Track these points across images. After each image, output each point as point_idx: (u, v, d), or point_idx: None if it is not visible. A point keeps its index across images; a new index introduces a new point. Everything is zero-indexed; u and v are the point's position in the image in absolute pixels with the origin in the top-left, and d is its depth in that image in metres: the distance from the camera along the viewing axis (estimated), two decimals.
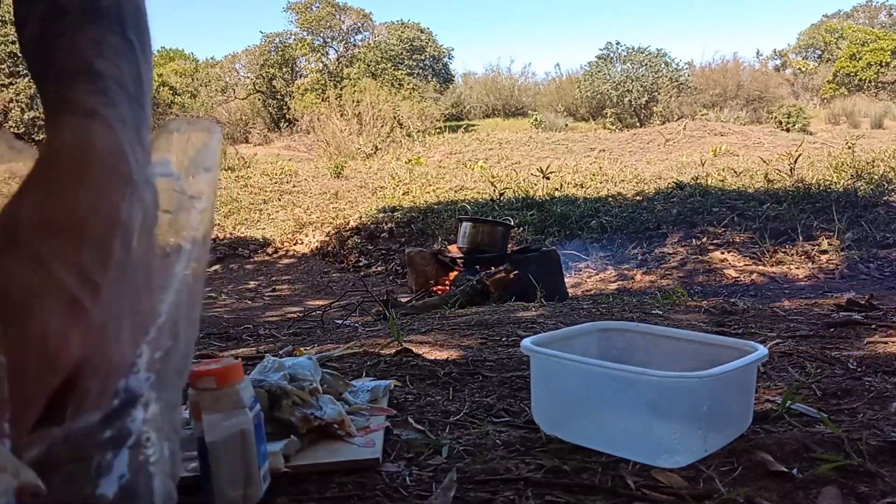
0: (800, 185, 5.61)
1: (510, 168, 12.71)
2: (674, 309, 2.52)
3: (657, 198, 5.77)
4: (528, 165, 12.86)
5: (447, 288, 3.86)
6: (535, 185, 8.43)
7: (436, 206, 6.41)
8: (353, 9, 25.83)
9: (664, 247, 4.82)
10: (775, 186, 5.77)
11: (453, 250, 4.20)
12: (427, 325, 2.33)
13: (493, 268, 3.97)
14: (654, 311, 2.40)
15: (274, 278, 5.75)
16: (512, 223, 4.18)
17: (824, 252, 4.47)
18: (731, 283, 4.15)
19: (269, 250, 6.58)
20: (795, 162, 6.13)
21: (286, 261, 6.27)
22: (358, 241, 6.28)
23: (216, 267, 6.29)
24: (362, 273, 5.63)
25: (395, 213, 6.50)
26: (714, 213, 5.19)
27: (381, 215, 6.53)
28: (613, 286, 4.37)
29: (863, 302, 2.97)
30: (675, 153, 13.77)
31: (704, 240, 4.80)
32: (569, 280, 4.53)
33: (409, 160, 13.67)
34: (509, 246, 4.23)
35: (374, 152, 16.25)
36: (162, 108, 28.40)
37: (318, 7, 25.16)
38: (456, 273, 3.97)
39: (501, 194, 5.98)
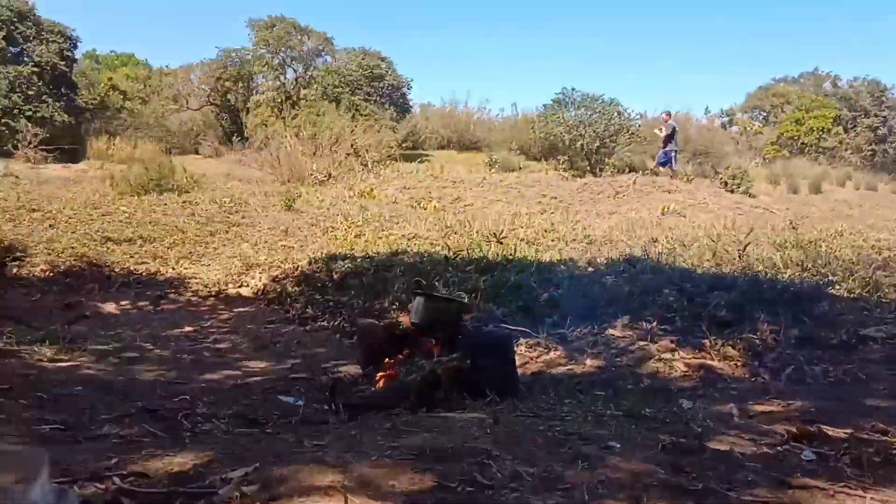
0: (748, 271, 5.71)
1: (462, 209, 12.73)
2: (629, 437, 2.47)
3: (609, 272, 5.79)
4: (481, 208, 12.91)
5: (396, 370, 3.77)
6: (490, 239, 8.43)
7: (387, 259, 6.32)
8: (314, 31, 25.73)
9: (615, 328, 4.82)
10: (724, 270, 5.85)
11: (405, 321, 4.12)
12: (375, 446, 2.23)
13: (444, 347, 3.90)
14: (609, 443, 2.34)
15: (214, 326, 5.56)
16: (465, 300, 4.13)
17: (770, 349, 4.53)
18: (680, 376, 4.16)
19: (213, 290, 6.38)
20: (745, 249, 6.25)
21: (229, 306, 6.08)
22: (305, 290, 6.15)
23: (149, 306, 6.07)
24: (308, 326, 5.49)
25: (346, 262, 6.38)
26: (664, 295, 5.23)
27: (332, 263, 6.41)
28: (562, 369, 4.33)
29: (812, 430, 3.00)
30: (624, 206, 13.98)
31: (654, 325, 4.82)
32: (518, 357, 4.48)
33: (363, 192, 13.59)
34: (465, 319, 4.16)
35: (328, 179, 16.11)
36: (111, 111, 27.76)
37: (279, 26, 24.99)
38: (407, 351, 3.89)
39: (456, 255, 5.93)
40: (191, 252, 7.38)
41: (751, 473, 2.16)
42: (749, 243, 6.43)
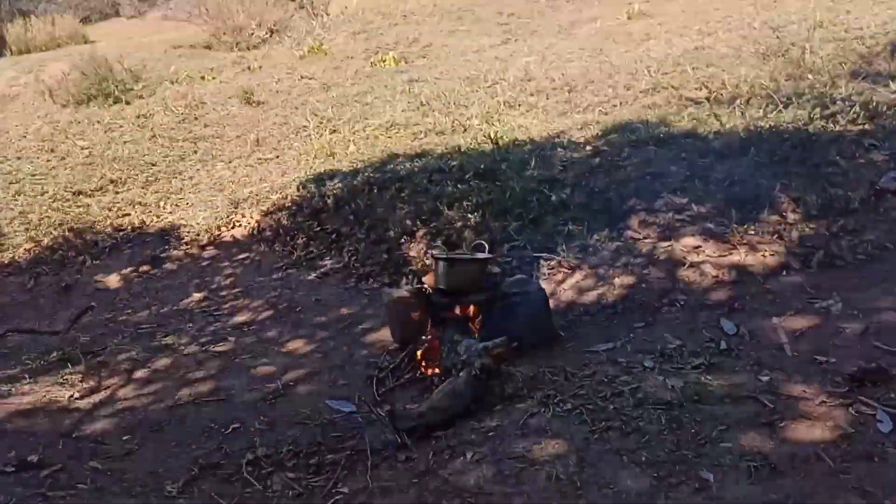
0: (751, 128, 5.51)
1: (422, 53, 12.08)
2: (714, 455, 2.46)
3: (609, 152, 5.58)
4: (441, 46, 12.23)
5: (435, 343, 3.71)
6: (468, 98, 8.05)
7: (379, 175, 6.05)
8: None
9: (631, 229, 4.73)
10: (727, 127, 5.65)
11: (429, 282, 4.01)
12: None
13: (475, 308, 3.83)
14: (702, 476, 2.34)
15: (223, 288, 5.42)
16: (488, 254, 3.98)
17: (791, 225, 4.48)
18: (712, 284, 4.13)
19: (207, 237, 6.15)
20: (748, 102, 6.01)
21: (229, 255, 5.90)
22: (301, 222, 5.93)
23: (150, 269, 5.88)
24: (318, 271, 5.35)
25: (336, 183, 6.12)
26: (673, 175, 5.08)
27: (321, 187, 6.14)
28: (591, 296, 4.28)
29: (873, 368, 3.03)
30: (586, 11, 13.31)
31: (671, 216, 4.72)
32: (544, 283, 4.43)
33: (312, 49, 12.83)
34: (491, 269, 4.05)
35: (270, 35, 15.11)
36: None
37: None
38: (443, 319, 3.81)
39: (451, 167, 5.67)
40: (168, 190, 7.01)
41: (849, 495, 2.18)
42: (750, 97, 6.17)
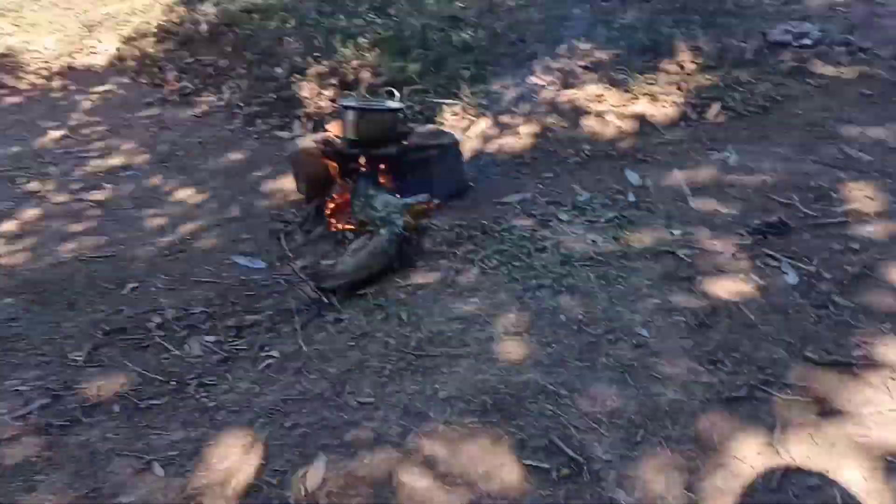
0: None
1: None
2: (644, 310, 2.54)
3: None
4: None
5: (346, 197, 3.54)
6: None
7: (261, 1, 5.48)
8: None
9: (535, 75, 4.62)
10: None
11: (336, 131, 3.75)
12: (424, 398, 2.19)
13: (386, 162, 3.65)
14: (637, 332, 2.41)
15: (85, 125, 4.86)
16: (401, 105, 3.76)
17: (689, 75, 4.54)
18: (616, 134, 4.16)
19: (59, 65, 5.43)
20: None
21: (85, 86, 5.26)
22: (170, 50, 5.35)
23: None
24: (197, 110, 4.90)
25: (208, 7, 5.50)
26: (576, 19, 4.95)
27: (189, 10, 5.50)
28: (495, 144, 4.20)
29: (775, 221, 3.19)
30: None
31: (574, 62, 4.65)
32: (448, 129, 4.29)
33: None
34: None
35: None
36: None
37: None
38: (352, 171, 3.61)
39: None
40: (4, 7, 6.04)
41: (771, 346, 2.32)
42: None
